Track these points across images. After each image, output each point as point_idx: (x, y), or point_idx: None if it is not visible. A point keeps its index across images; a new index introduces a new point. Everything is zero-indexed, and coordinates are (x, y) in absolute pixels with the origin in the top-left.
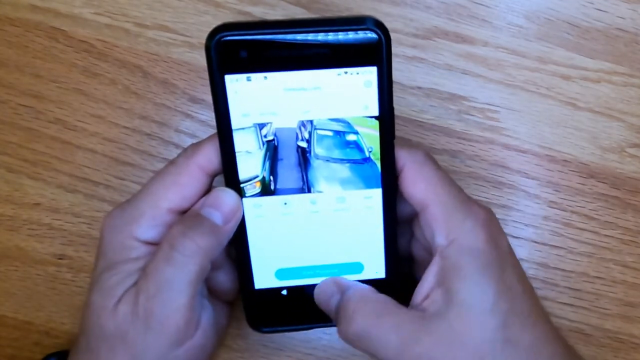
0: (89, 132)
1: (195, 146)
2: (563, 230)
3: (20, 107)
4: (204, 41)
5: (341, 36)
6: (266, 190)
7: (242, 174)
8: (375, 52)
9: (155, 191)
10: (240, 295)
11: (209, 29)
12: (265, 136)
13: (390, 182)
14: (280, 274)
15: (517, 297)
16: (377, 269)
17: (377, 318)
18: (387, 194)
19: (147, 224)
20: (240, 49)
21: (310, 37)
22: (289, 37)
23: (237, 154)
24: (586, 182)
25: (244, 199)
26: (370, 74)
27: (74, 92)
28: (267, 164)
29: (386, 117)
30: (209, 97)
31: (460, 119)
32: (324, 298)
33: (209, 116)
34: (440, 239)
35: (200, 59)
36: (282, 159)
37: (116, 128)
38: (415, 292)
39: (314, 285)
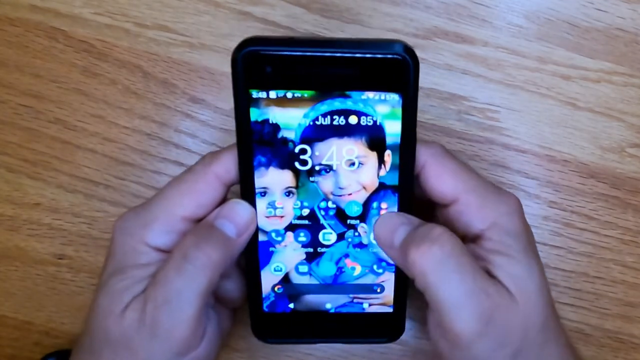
0: (89, 132)
1: (214, 155)
2: (563, 230)
3: (20, 107)
4: (204, 41)
5: (371, 60)
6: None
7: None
8: (402, 78)
9: (170, 197)
10: (248, 310)
11: (209, 29)
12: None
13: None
14: (292, 298)
15: (547, 282)
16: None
17: (461, 253)
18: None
19: (159, 229)
20: (266, 64)
21: (338, 58)
22: (318, 56)
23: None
24: (586, 182)
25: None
26: (395, 99)
27: (74, 92)
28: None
29: (408, 146)
30: (208, 97)
31: (460, 119)
32: (389, 228)
33: (209, 116)
34: (478, 224)
35: (200, 58)
36: None
37: (116, 128)
38: None
39: (324, 311)
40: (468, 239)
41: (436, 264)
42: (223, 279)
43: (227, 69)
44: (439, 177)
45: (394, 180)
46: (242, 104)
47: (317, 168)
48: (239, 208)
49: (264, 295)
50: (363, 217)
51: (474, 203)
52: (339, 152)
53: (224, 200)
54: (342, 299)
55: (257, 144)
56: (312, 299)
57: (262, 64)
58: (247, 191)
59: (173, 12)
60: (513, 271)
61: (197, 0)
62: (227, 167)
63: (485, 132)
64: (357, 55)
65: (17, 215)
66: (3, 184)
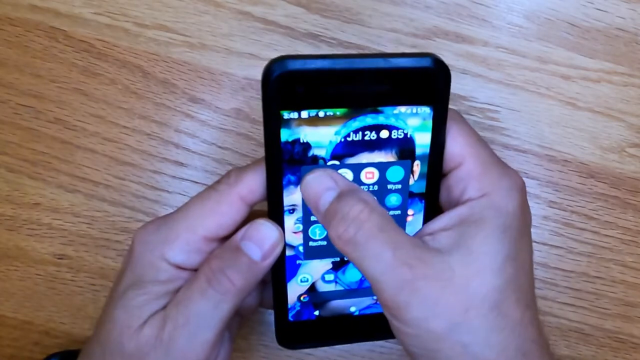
0: (89, 132)
1: (238, 174)
2: (563, 230)
3: (20, 107)
4: (204, 41)
5: (402, 74)
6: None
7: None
8: (434, 91)
9: (193, 216)
10: (274, 319)
11: (209, 29)
12: None
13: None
14: (317, 305)
15: (523, 271)
16: None
17: (379, 230)
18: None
19: (180, 248)
20: (299, 85)
21: (372, 71)
22: (349, 74)
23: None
24: (586, 182)
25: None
26: (427, 112)
27: (74, 92)
28: None
29: (436, 156)
30: (208, 97)
31: None
32: (316, 189)
33: (209, 116)
34: (471, 192)
35: (200, 58)
36: None
37: (116, 128)
38: (423, 227)
39: (348, 315)
40: (459, 204)
41: (353, 245)
42: None
43: (227, 68)
44: (453, 137)
45: (421, 188)
46: (273, 125)
47: None
48: (266, 230)
49: (289, 306)
50: None
51: (477, 170)
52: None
53: (246, 219)
54: (366, 301)
55: (286, 164)
56: (336, 304)
57: (294, 85)
58: (276, 210)
59: (173, 12)
60: (472, 245)
61: (197, 0)
62: (252, 187)
63: (485, 132)
64: (390, 68)
65: (17, 215)
66: (3, 184)
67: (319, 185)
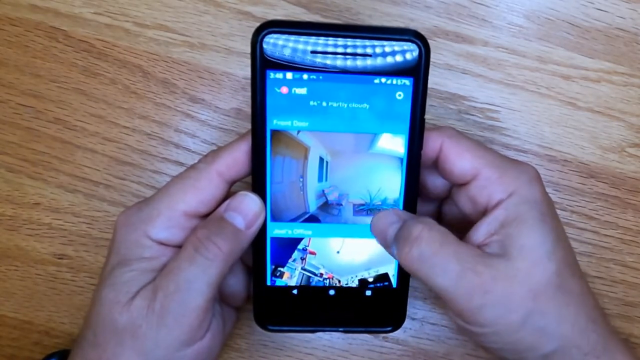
0: (89, 132)
1: (215, 153)
2: None
3: (20, 107)
4: (204, 41)
5: (384, 44)
6: None
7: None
8: (414, 64)
9: (173, 193)
10: (252, 290)
11: (209, 29)
12: None
13: (411, 198)
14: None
15: (567, 248)
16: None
17: (440, 245)
18: (408, 201)
19: (162, 224)
20: (286, 46)
21: (354, 42)
22: (334, 39)
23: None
24: (586, 182)
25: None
26: (406, 84)
27: (74, 92)
28: None
29: (416, 129)
30: (208, 97)
31: (460, 118)
32: (382, 226)
33: (209, 116)
34: (499, 195)
35: (200, 58)
36: None
37: (116, 128)
38: (470, 239)
39: (325, 287)
40: (488, 211)
41: (420, 262)
42: (227, 273)
43: (227, 68)
44: (459, 155)
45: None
46: (259, 87)
47: None
48: (248, 201)
49: (268, 279)
50: None
51: (494, 175)
52: None
53: (226, 196)
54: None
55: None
56: (316, 283)
57: (281, 46)
58: (259, 182)
59: (173, 12)
60: (521, 240)
61: (197, 0)
62: (229, 163)
63: (485, 132)
64: (372, 40)
65: (17, 215)
66: (3, 184)
67: (384, 222)
